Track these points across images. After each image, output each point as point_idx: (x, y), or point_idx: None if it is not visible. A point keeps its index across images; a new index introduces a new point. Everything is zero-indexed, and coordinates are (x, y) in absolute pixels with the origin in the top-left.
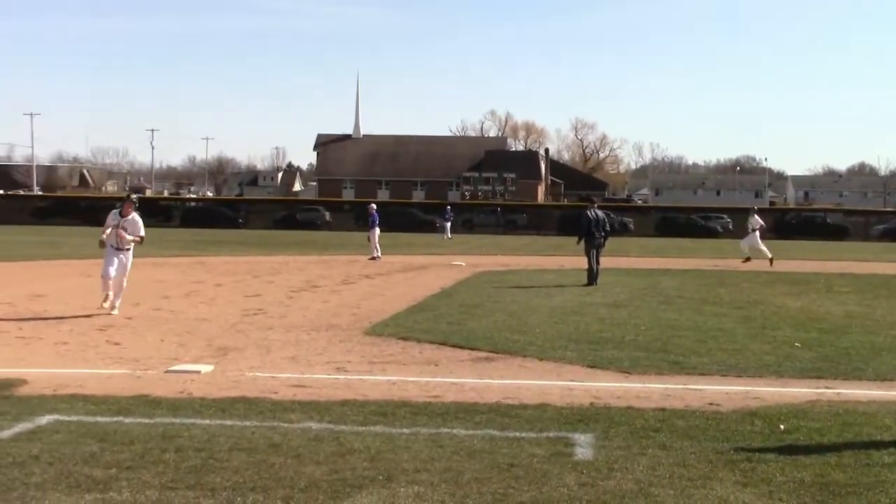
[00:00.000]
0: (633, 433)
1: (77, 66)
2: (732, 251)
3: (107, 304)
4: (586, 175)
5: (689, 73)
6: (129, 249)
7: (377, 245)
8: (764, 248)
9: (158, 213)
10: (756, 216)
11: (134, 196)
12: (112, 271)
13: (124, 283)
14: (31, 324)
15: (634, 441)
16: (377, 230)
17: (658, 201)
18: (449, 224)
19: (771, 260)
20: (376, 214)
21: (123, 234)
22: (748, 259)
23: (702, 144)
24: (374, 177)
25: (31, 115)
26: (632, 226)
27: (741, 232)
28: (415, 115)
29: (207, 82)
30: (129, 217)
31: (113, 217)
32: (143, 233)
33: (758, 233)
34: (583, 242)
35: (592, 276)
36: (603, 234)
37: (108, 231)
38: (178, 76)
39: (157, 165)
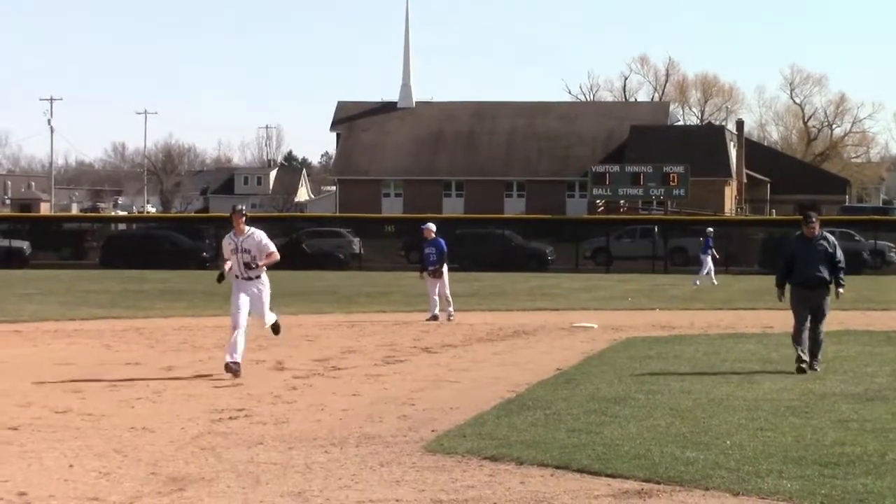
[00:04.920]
0: None
1: None
2: None
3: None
4: (810, 166)
5: None
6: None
7: (448, 295)
8: None
9: (63, 243)
10: None
11: (239, 207)
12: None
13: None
14: None
15: None
16: (445, 270)
17: None
18: (710, 259)
19: None
20: (442, 242)
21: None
22: None
23: None
24: (436, 175)
25: None
26: (893, 255)
27: None
28: (504, 68)
29: (142, 16)
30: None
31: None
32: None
33: None
34: (788, 292)
35: (804, 354)
36: (829, 275)
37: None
38: (95, 11)
39: (59, 161)
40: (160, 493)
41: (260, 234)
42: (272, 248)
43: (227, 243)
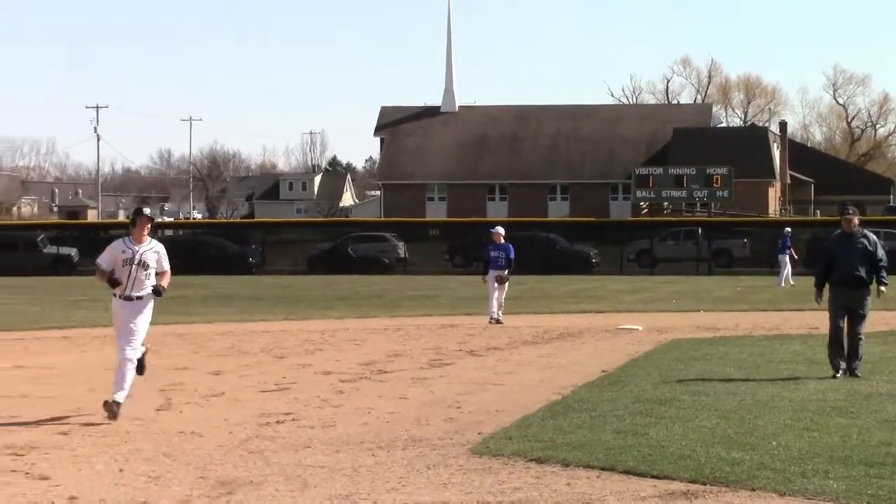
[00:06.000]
0: None
1: None
2: None
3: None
4: (854, 167)
5: None
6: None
7: (503, 301)
8: None
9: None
10: None
11: (147, 210)
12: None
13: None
14: None
15: None
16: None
17: None
18: (788, 258)
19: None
20: (511, 247)
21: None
22: None
23: None
24: (479, 178)
25: None
26: None
27: None
28: (547, 71)
29: (187, 25)
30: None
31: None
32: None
33: None
34: (826, 294)
35: (839, 360)
36: (869, 275)
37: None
38: (136, 16)
39: (106, 169)
40: (209, 497)
41: (162, 248)
42: (168, 267)
43: (121, 251)
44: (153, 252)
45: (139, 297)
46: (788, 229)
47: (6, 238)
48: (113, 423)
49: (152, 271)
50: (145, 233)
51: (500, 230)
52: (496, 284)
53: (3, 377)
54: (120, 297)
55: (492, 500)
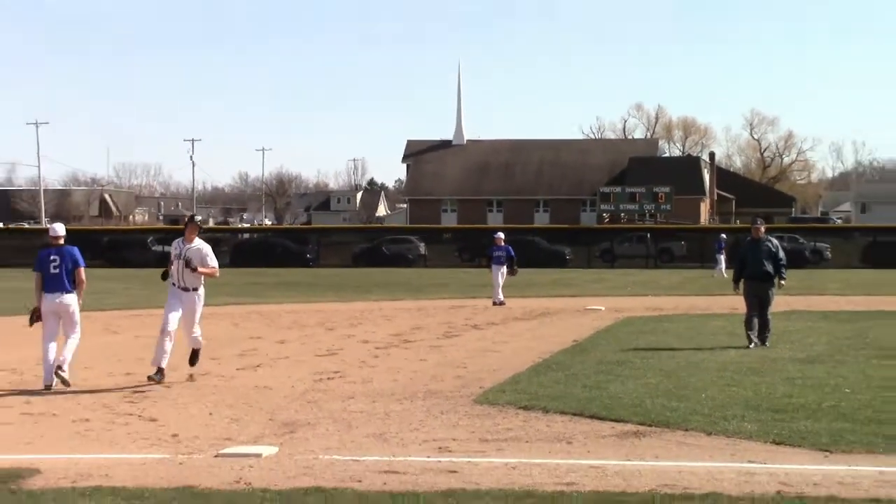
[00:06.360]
0: None
1: (92, 61)
2: None
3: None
4: (765, 187)
5: None
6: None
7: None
8: None
9: None
10: None
11: (198, 218)
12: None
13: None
14: (43, 396)
15: None
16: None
17: (865, 220)
18: (723, 257)
19: None
20: (510, 248)
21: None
22: None
23: None
24: (482, 195)
25: (35, 124)
26: (828, 254)
27: None
28: (534, 113)
29: (261, 77)
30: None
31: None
32: (214, 263)
33: None
34: (742, 285)
35: (752, 334)
36: (773, 270)
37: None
38: (223, 70)
39: (199, 187)
40: (276, 435)
41: (205, 248)
42: (214, 263)
43: (174, 247)
44: (197, 250)
45: (192, 289)
46: (724, 235)
47: (124, 240)
48: (203, 379)
49: (195, 266)
50: (194, 235)
51: (501, 235)
52: (504, 275)
53: (125, 344)
54: (175, 285)
55: (490, 437)
